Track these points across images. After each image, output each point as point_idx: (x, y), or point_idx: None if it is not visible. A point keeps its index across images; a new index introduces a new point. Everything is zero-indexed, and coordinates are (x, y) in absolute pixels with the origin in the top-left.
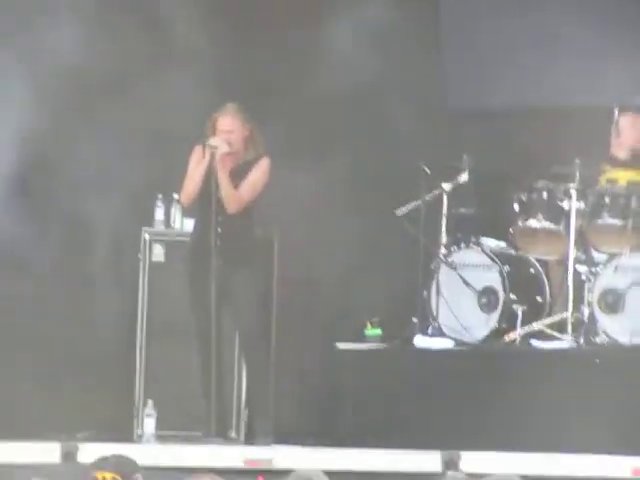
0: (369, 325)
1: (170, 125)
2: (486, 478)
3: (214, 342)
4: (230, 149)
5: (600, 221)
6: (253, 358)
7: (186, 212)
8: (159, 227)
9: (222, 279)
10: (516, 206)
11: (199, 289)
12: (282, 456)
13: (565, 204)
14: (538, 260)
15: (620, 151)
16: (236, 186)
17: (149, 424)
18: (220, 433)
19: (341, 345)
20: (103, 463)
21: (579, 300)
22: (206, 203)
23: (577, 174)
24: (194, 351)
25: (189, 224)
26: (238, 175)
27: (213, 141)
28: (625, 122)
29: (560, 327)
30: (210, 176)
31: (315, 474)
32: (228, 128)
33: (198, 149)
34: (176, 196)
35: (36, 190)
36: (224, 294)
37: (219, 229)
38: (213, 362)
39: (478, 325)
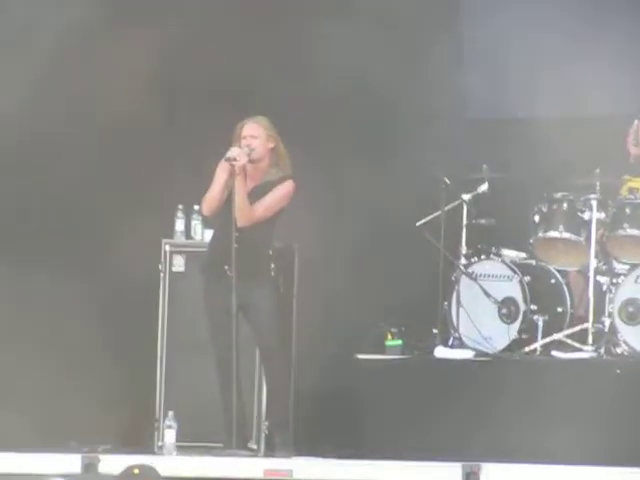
0: (389, 336)
1: (192, 137)
2: None
3: (234, 356)
4: (250, 158)
5: (621, 232)
6: (273, 371)
7: (206, 223)
8: (179, 238)
9: (238, 292)
10: (536, 217)
11: (215, 302)
12: (302, 467)
13: (586, 215)
14: (559, 271)
15: None
16: (253, 203)
17: (170, 435)
18: (240, 444)
19: (361, 356)
20: (131, 472)
21: (600, 311)
22: (224, 216)
23: (597, 184)
24: (213, 363)
25: (210, 235)
26: (259, 193)
27: (232, 152)
28: None
29: (581, 338)
30: (231, 189)
31: None
32: (252, 133)
33: (223, 162)
34: (197, 207)
35: (59, 200)
36: (241, 306)
37: (235, 244)
38: (233, 374)
39: (499, 336)
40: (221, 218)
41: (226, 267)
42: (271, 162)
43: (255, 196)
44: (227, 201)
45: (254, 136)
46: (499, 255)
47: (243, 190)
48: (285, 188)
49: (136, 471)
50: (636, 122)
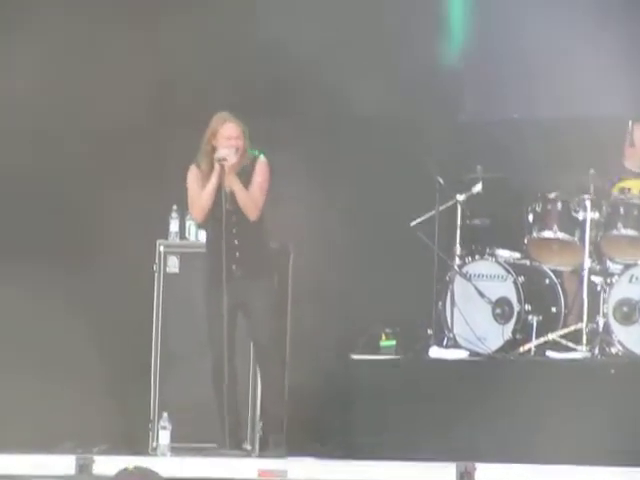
0: (383, 337)
1: (183, 137)
2: None
3: (226, 354)
4: (236, 156)
5: (615, 232)
6: (268, 370)
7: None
8: (174, 239)
9: (240, 290)
10: (530, 217)
11: (216, 304)
12: (296, 467)
13: (580, 215)
14: (553, 271)
15: (633, 162)
16: None
17: (164, 436)
18: (234, 445)
19: (355, 356)
20: (127, 474)
21: (594, 311)
22: (218, 216)
23: (591, 185)
24: (208, 363)
25: (204, 235)
26: (242, 181)
27: (221, 153)
28: (639, 133)
29: (575, 338)
30: (220, 189)
31: None
32: (236, 134)
33: (193, 168)
34: None
35: (52, 202)
36: (240, 305)
37: (236, 241)
38: (225, 375)
39: (493, 336)
40: (215, 218)
41: (234, 267)
42: (243, 151)
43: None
44: (216, 202)
45: (237, 137)
46: (493, 255)
47: (240, 186)
48: (264, 165)
49: (130, 467)
50: (630, 123)
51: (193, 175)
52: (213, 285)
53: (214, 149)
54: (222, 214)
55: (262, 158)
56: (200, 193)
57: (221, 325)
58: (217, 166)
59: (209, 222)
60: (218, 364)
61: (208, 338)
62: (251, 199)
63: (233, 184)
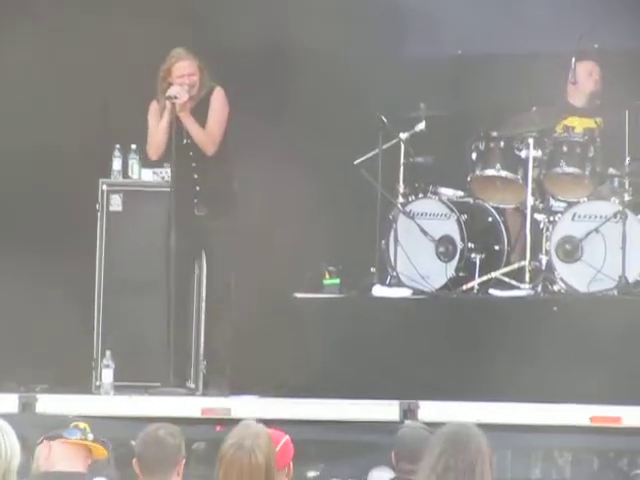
0: (327, 275)
1: (127, 76)
2: (442, 426)
3: (179, 292)
4: (190, 94)
5: (557, 169)
6: (218, 310)
7: (144, 162)
8: (117, 177)
9: (202, 230)
10: (474, 155)
11: (174, 237)
12: (239, 406)
13: (522, 153)
14: (496, 209)
15: (576, 98)
16: (200, 126)
17: (107, 375)
18: (178, 383)
19: (299, 295)
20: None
21: (537, 248)
22: (176, 151)
23: (534, 122)
24: (151, 301)
25: (147, 174)
26: (198, 115)
27: (172, 91)
28: (582, 70)
29: (518, 276)
30: (173, 126)
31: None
32: (189, 71)
33: (153, 104)
34: (134, 146)
35: None
36: (202, 245)
37: (195, 175)
38: (171, 314)
39: (436, 274)
40: (172, 157)
41: (195, 200)
42: (200, 84)
43: (197, 120)
44: (171, 138)
45: (191, 74)
46: (436, 193)
47: (195, 123)
48: (219, 95)
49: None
50: (572, 60)
51: (153, 111)
52: (172, 220)
53: (170, 86)
54: (180, 149)
55: (218, 88)
56: (156, 129)
57: (182, 267)
58: (168, 104)
59: (169, 158)
60: (171, 302)
61: (169, 280)
62: (207, 135)
63: (187, 122)
